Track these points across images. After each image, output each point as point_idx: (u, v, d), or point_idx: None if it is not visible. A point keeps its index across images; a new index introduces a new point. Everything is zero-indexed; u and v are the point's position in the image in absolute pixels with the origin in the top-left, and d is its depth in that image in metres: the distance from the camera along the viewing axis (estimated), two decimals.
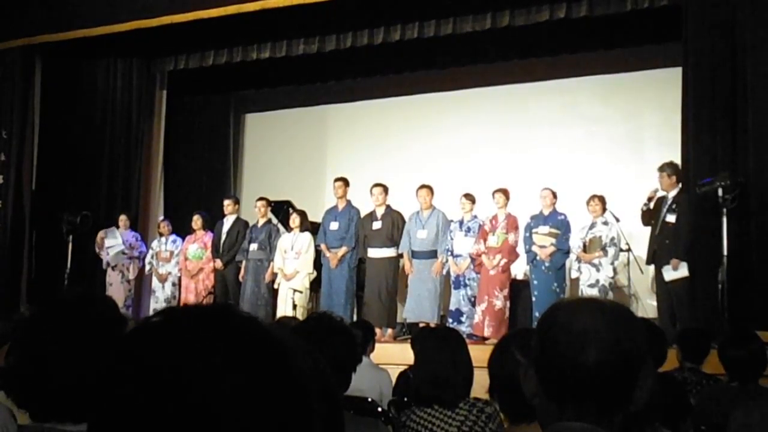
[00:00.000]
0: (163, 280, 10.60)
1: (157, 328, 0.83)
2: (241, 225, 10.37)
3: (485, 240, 9.04)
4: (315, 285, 9.80)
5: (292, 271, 9.53)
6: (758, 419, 2.36)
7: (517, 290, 9.26)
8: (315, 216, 10.14)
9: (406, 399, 3.96)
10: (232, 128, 12.89)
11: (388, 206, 9.62)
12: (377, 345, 5.90)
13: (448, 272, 9.27)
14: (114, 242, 10.74)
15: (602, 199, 8.80)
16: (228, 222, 10.44)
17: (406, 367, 4.91)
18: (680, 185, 8.25)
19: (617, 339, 1.41)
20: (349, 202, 9.80)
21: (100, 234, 10.79)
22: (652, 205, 8.38)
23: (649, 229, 8.44)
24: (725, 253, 7.61)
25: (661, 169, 8.30)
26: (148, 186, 11.80)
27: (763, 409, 2.40)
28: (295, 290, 9.27)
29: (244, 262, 10.04)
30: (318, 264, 9.70)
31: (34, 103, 11.52)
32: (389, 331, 9.33)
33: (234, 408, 0.77)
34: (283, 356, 0.84)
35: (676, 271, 7.96)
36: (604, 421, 1.39)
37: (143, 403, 0.77)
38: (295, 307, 9.04)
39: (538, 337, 1.48)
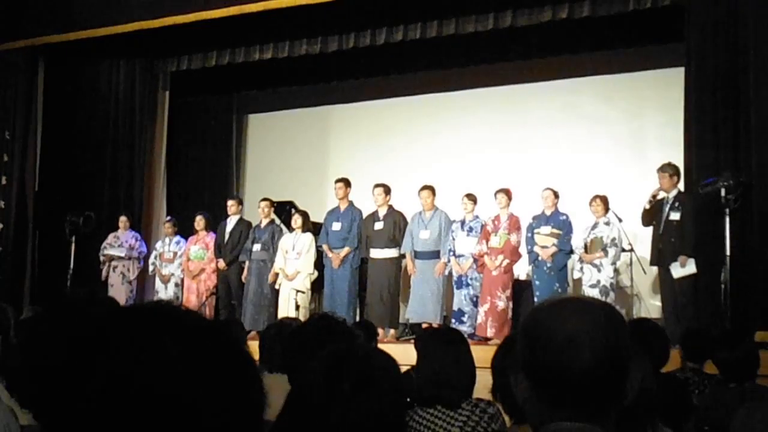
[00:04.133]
0: (166, 281, 10.62)
1: (108, 328, 0.87)
2: (243, 225, 10.39)
3: (487, 240, 9.04)
4: (317, 286, 9.81)
5: (293, 271, 9.53)
6: (760, 419, 2.36)
7: (520, 291, 9.26)
8: (317, 216, 10.14)
9: (408, 399, 3.97)
10: (234, 129, 12.91)
11: (390, 206, 9.62)
12: (380, 345, 5.90)
13: (451, 272, 9.28)
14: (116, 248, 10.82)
15: (605, 200, 8.80)
16: (231, 222, 10.46)
17: (408, 367, 4.92)
18: (680, 185, 8.26)
19: (607, 338, 1.41)
20: (351, 203, 9.81)
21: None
22: (647, 205, 8.39)
23: (650, 229, 8.44)
24: (728, 253, 7.61)
25: (664, 169, 8.31)
26: (151, 187, 11.81)
27: (764, 409, 2.40)
28: (297, 291, 9.27)
29: (247, 263, 10.04)
30: (320, 265, 9.71)
31: (37, 103, 11.54)
32: (392, 331, 9.34)
33: (190, 395, 0.82)
34: (228, 344, 0.88)
35: (684, 268, 7.96)
36: (599, 419, 1.39)
37: (102, 396, 0.81)
38: (297, 307, 9.04)
39: (524, 342, 1.46)
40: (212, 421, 0.82)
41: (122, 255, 10.76)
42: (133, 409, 0.80)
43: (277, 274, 9.72)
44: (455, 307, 9.19)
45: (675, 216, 8.13)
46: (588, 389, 1.39)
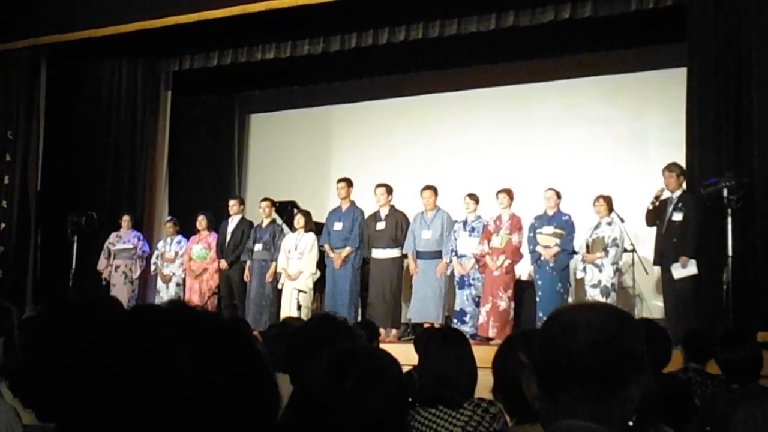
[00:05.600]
0: (167, 280, 10.62)
1: (122, 328, 0.87)
2: (245, 225, 10.39)
3: (489, 240, 9.05)
4: (319, 286, 9.81)
5: (295, 271, 9.54)
6: (760, 420, 2.36)
7: (522, 291, 9.26)
8: (319, 216, 10.14)
9: (410, 399, 3.97)
10: (236, 129, 12.90)
11: (391, 206, 9.63)
12: (381, 345, 5.90)
13: (453, 272, 9.28)
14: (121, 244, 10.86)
15: (608, 200, 8.79)
16: (233, 222, 10.47)
17: (410, 367, 4.92)
18: (685, 185, 8.26)
19: (606, 328, 1.45)
20: (352, 203, 9.81)
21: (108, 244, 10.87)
22: (651, 206, 8.39)
23: (653, 229, 8.44)
24: (730, 253, 7.60)
25: (671, 168, 8.30)
26: (153, 186, 11.81)
27: (764, 409, 2.40)
28: (299, 291, 9.27)
29: (248, 263, 10.05)
30: (322, 265, 9.71)
31: (39, 103, 11.54)
32: (393, 331, 9.34)
33: (203, 390, 0.82)
34: (240, 339, 0.89)
35: (685, 269, 7.96)
36: (603, 418, 1.40)
37: (120, 398, 0.81)
38: (299, 307, 9.04)
39: (539, 336, 1.53)
40: (226, 422, 0.82)
41: (130, 247, 10.77)
42: (145, 410, 0.80)
43: (278, 273, 9.73)
44: (457, 308, 9.19)
45: (678, 216, 8.12)
46: (581, 374, 1.42)
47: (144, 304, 0.96)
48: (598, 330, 1.43)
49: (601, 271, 8.58)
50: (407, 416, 1.83)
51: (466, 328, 8.59)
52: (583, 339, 1.42)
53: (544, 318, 1.69)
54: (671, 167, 8.31)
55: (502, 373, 2.40)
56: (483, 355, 3.32)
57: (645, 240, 8.96)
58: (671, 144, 9.21)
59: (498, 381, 2.43)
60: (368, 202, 9.81)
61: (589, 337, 1.42)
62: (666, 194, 8.35)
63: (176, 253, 10.66)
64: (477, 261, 9.11)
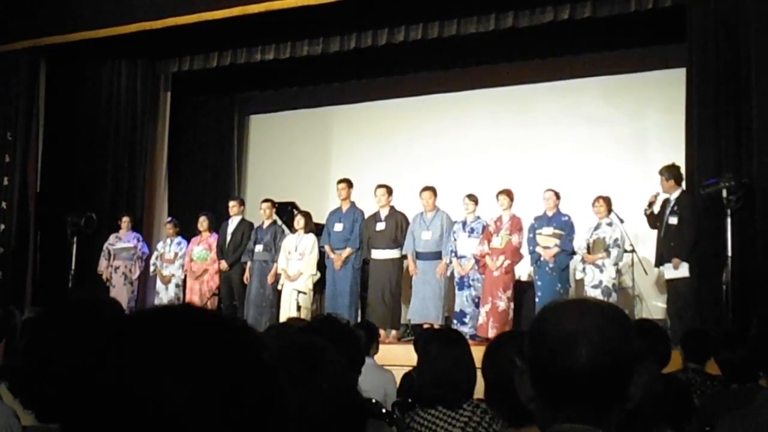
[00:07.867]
0: (166, 282, 10.61)
1: (120, 333, 0.86)
2: (245, 226, 10.39)
3: (489, 241, 9.05)
4: (319, 286, 9.81)
5: (295, 272, 9.54)
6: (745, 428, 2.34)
7: (522, 291, 9.26)
8: (320, 217, 10.14)
9: (410, 400, 3.97)
10: (236, 129, 12.91)
11: (391, 207, 9.63)
12: (381, 346, 5.91)
13: (452, 273, 9.28)
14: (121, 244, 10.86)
15: (607, 200, 8.80)
16: (233, 223, 10.47)
17: (410, 368, 4.92)
18: (681, 187, 8.27)
19: (607, 338, 1.40)
20: (353, 204, 9.81)
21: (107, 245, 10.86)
22: (656, 208, 8.40)
23: (652, 230, 8.46)
24: (729, 254, 7.60)
25: (661, 172, 8.33)
26: (153, 187, 11.81)
27: (746, 419, 2.38)
28: (299, 291, 9.27)
29: (248, 264, 10.05)
30: (323, 265, 9.71)
31: (38, 104, 11.54)
32: (393, 332, 9.34)
33: (204, 400, 0.81)
34: (246, 342, 0.88)
35: (676, 270, 8.01)
36: (602, 421, 1.39)
37: (116, 402, 0.81)
38: (299, 308, 9.04)
39: (529, 341, 1.47)
40: (227, 425, 0.82)
41: (130, 246, 10.77)
42: (144, 411, 0.79)
43: (277, 275, 9.73)
44: (457, 308, 9.19)
45: (673, 220, 8.16)
46: (586, 390, 1.39)
47: (146, 308, 0.95)
48: (599, 345, 1.39)
49: (602, 271, 8.59)
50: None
51: (466, 329, 8.60)
52: (585, 355, 1.38)
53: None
54: (662, 171, 8.34)
55: (493, 377, 2.35)
56: (482, 356, 3.32)
57: (644, 240, 8.98)
58: (671, 144, 9.22)
59: (489, 385, 2.37)
60: (368, 202, 9.81)
61: (591, 354, 1.38)
62: (664, 196, 8.37)
63: (176, 254, 10.66)
64: (477, 262, 9.12)
